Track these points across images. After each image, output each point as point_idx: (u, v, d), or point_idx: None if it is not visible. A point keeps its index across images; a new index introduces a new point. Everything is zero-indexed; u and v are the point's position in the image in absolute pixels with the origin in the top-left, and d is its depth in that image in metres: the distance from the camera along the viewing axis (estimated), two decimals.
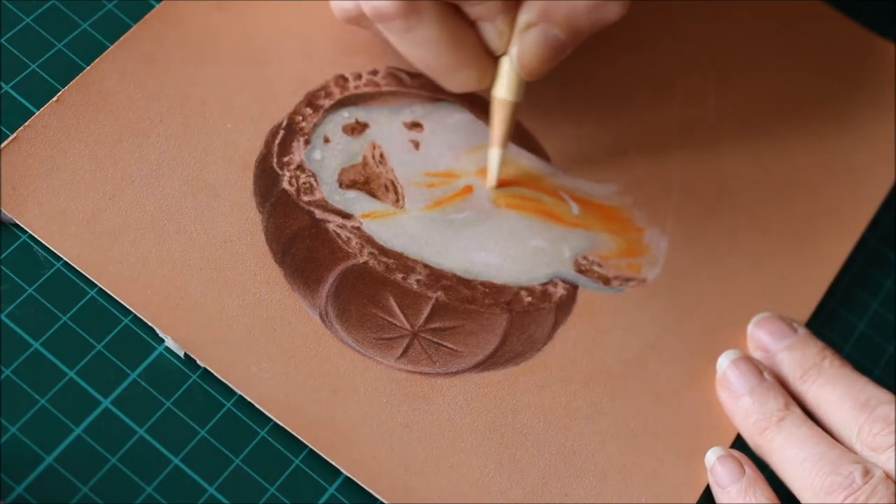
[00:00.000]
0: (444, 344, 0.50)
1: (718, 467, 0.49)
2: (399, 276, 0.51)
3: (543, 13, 0.49)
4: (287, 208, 0.51)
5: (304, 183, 0.52)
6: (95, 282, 0.48)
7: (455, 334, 0.50)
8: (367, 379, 0.49)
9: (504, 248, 0.53)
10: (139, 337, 0.48)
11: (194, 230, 0.50)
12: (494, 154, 0.53)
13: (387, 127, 0.54)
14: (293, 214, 0.51)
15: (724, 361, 0.52)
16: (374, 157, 0.53)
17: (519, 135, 0.55)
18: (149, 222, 0.50)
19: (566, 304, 0.52)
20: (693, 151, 0.57)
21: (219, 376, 0.47)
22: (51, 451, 0.45)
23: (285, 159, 0.52)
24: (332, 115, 0.54)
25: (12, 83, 0.51)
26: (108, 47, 0.52)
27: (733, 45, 0.60)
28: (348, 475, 0.47)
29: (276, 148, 0.52)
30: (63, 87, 0.51)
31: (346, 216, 0.52)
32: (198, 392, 0.48)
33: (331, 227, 0.51)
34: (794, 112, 0.59)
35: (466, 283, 0.52)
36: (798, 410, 0.50)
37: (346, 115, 0.54)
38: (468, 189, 0.54)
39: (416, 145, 0.54)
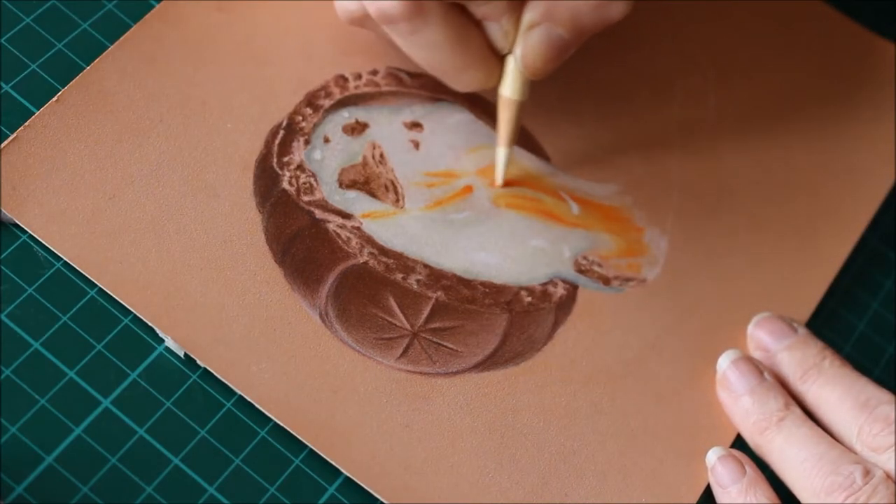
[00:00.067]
0: (444, 344, 0.50)
1: (719, 467, 0.49)
2: (399, 276, 0.51)
3: (547, 13, 0.49)
4: (287, 208, 0.51)
5: (304, 183, 0.52)
6: (95, 282, 0.48)
7: (455, 334, 0.50)
8: (367, 379, 0.49)
9: (504, 248, 0.53)
10: (139, 337, 0.48)
11: (194, 230, 0.50)
12: (501, 153, 0.53)
13: (387, 127, 0.54)
14: (293, 214, 0.51)
15: (725, 361, 0.52)
16: (374, 157, 0.53)
17: (519, 135, 0.55)
18: (149, 222, 0.50)
19: (566, 304, 0.52)
20: (693, 151, 0.57)
21: (219, 376, 0.47)
22: (51, 451, 0.45)
23: (285, 159, 0.52)
24: (332, 115, 0.54)
25: (12, 83, 0.51)
26: (108, 47, 0.52)
27: (733, 45, 0.60)
28: (348, 475, 0.47)
29: (276, 148, 0.52)
30: (63, 87, 0.51)
31: (346, 216, 0.52)
32: (198, 392, 0.48)
33: (331, 227, 0.51)
34: (794, 112, 0.59)
35: (466, 283, 0.52)
36: (798, 410, 0.50)
37: (346, 115, 0.54)
38: (468, 189, 0.54)
39: (416, 145, 0.54)
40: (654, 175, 0.56)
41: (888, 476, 0.47)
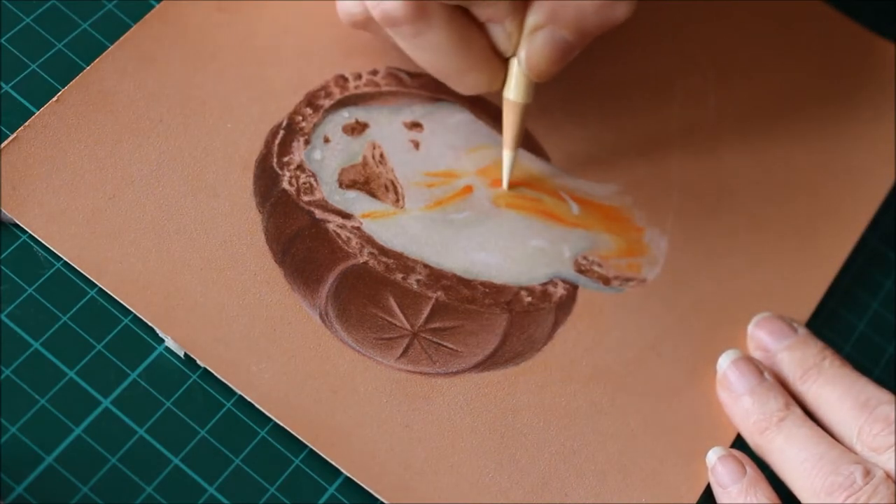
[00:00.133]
0: (444, 344, 0.50)
1: (719, 467, 0.49)
2: (399, 276, 0.51)
3: (551, 15, 0.49)
4: (287, 208, 0.51)
5: (304, 183, 0.52)
6: (95, 282, 0.48)
7: (455, 334, 0.50)
8: (367, 379, 0.49)
9: (504, 248, 0.53)
10: (139, 337, 0.48)
11: (194, 230, 0.50)
12: (507, 156, 0.53)
13: (387, 127, 0.54)
14: (293, 214, 0.51)
15: (725, 361, 0.52)
16: (374, 157, 0.53)
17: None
18: (149, 222, 0.50)
19: (566, 304, 0.52)
20: (693, 151, 0.57)
21: (219, 376, 0.47)
22: (51, 451, 0.45)
23: (285, 159, 0.52)
24: (332, 115, 0.54)
25: (12, 83, 0.51)
26: (108, 47, 0.52)
27: (733, 45, 0.60)
28: (348, 475, 0.47)
29: (276, 148, 0.52)
30: (63, 87, 0.51)
31: (346, 216, 0.52)
32: (198, 392, 0.48)
33: (331, 227, 0.51)
34: (795, 112, 0.59)
35: (466, 283, 0.52)
36: (798, 410, 0.50)
37: (346, 115, 0.54)
38: (468, 189, 0.54)
39: (416, 145, 0.54)
40: (654, 175, 0.56)
41: (888, 476, 0.47)
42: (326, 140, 0.53)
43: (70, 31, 0.53)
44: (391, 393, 0.49)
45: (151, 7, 0.54)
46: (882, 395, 0.49)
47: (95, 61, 0.52)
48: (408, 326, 0.50)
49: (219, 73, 0.53)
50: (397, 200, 0.53)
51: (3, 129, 0.50)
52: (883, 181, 0.58)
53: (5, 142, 0.50)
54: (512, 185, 0.54)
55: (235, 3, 0.55)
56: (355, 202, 0.52)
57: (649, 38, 0.59)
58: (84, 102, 0.51)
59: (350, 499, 0.47)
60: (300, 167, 0.52)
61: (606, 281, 0.53)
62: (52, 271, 0.48)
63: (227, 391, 0.48)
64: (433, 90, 0.55)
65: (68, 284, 0.48)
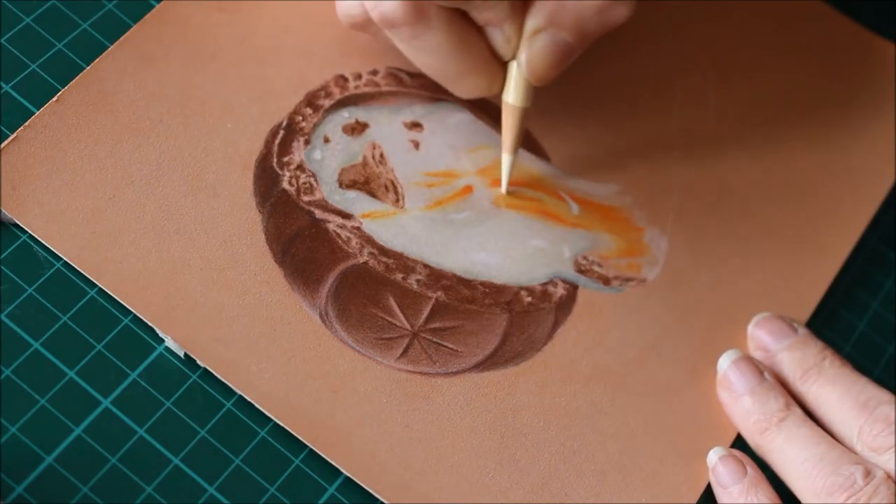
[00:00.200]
0: (444, 344, 0.50)
1: (720, 467, 0.49)
2: (399, 276, 0.51)
3: (552, 18, 0.49)
4: (287, 208, 0.51)
5: (304, 183, 0.52)
6: (95, 282, 0.48)
7: (455, 334, 0.50)
8: (367, 379, 0.49)
9: (504, 248, 0.53)
10: (139, 337, 0.48)
11: (194, 230, 0.50)
12: (506, 160, 0.53)
13: (387, 127, 0.54)
14: (293, 214, 0.51)
15: (725, 361, 0.52)
16: (374, 157, 0.53)
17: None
18: (149, 222, 0.50)
19: (566, 304, 0.52)
20: (693, 151, 0.57)
21: (219, 376, 0.47)
22: (51, 451, 0.45)
23: (285, 159, 0.52)
24: (332, 115, 0.54)
25: (12, 83, 0.51)
26: (108, 47, 0.52)
27: (733, 45, 0.60)
28: (348, 475, 0.47)
29: (276, 148, 0.52)
30: (63, 87, 0.51)
31: (346, 216, 0.52)
32: (198, 392, 0.48)
33: (331, 227, 0.51)
34: (795, 112, 0.59)
35: (466, 283, 0.52)
36: (799, 411, 0.50)
37: (346, 115, 0.54)
38: (468, 189, 0.54)
39: (416, 145, 0.54)
40: (654, 175, 0.56)
41: (889, 476, 0.47)
42: (326, 140, 0.53)
43: (70, 31, 0.53)
44: (391, 393, 0.49)
45: (151, 7, 0.54)
46: (882, 395, 0.49)
47: (95, 61, 0.52)
48: (408, 326, 0.50)
49: (219, 73, 0.53)
50: (397, 200, 0.53)
51: (3, 129, 0.50)
52: (883, 181, 0.58)
53: (5, 142, 0.50)
54: (511, 186, 0.54)
55: (235, 3, 0.55)
56: (355, 202, 0.52)
57: (649, 38, 0.59)
58: (84, 102, 0.51)
59: (350, 499, 0.47)
60: (300, 167, 0.52)
61: (606, 281, 0.53)
62: (52, 271, 0.48)
63: (227, 391, 0.48)
64: (433, 90, 0.55)
65: (68, 284, 0.48)
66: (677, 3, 0.60)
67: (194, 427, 0.47)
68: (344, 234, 0.51)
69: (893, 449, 0.48)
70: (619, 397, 0.51)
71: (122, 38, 0.53)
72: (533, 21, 0.50)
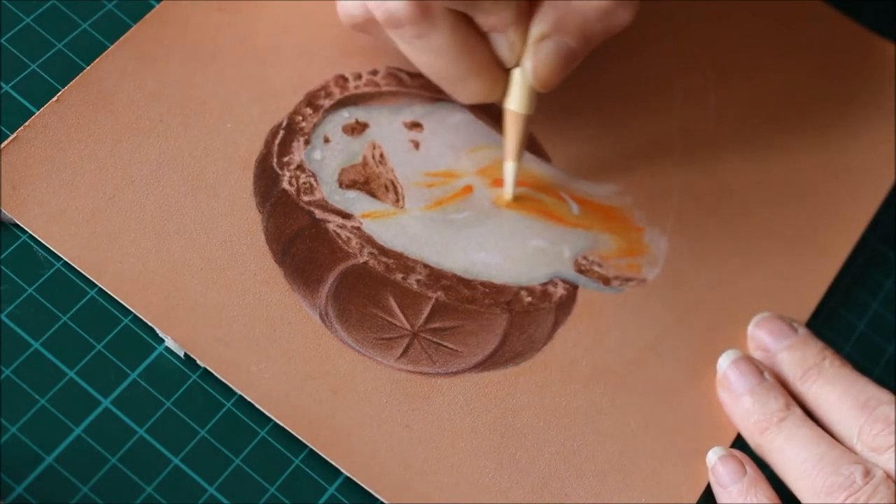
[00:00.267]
0: (444, 344, 0.50)
1: (720, 467, 0.49)
2: (399, 276, 0.51)
3: (557, 24, 0.49)
4: (287, 208, 0.51)
5: (304, 183, 0.52)
6: (95, 282, 0.48)
7: (455, 334, 0.50)
8: (367, 379, 0.49)
9: (504, 248, 0.53)
10: (139, 337, 0.48)
11: (194, 230, 0.50)
12: (509, 168, 0.53)
13: (387, 127, 0.54)
14: (293, 214, 0.51)
15: (725, 361, 0.52)
16: (374, 157, 0.53)
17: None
18: (149, 222, 0.50)
19: (566, 304, 0.52)
20: (693, 151, 0.57)
21: (219, 376, 0.47)
22: (51, 451, 0.45)
23: (285, 159, 0.52)
24: (332, 115, 0.54)
25: (12, 83, 0.51)
26: (108, 47, 0.52)
27: (733, 45, 0.60)
28: (348, 475, 0.47)
29: (276, 148, 0.52)
30: (63, 87, 0.51)
31: (346, 216, 0.52)
32: (198, 392, 0.48)
33: (331, 227, 0.51)
34: (795, 112, 0.59)
35: (466, 283, 0.52)
36: (798, 410, 0.50)
37: (346, 115, 0.54)
38: (468, 189, 0.54)
39: (416, 145, 0.54)
40: (654, 175, 0.56)
41: (888, 476, 0.47)
42: (326, 140, 0.53)
43: (70, 31, 0.53)
44: (391, 393, 0.49)
45: (151, 7, 0.54)
46: (882, 395, 0.49)
47: (95, 61, 0.52)
48: (408, 326, 0.50)
49: (219, 73, 0.53)
50: (397, 200, 0.53)
51: (3, 129, 0.50)
52: (883, 181, 0.58)
53: (5, 142, 0.50)
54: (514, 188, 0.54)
55: (235, 3, 0.55)
56: (355, 202, 0.52)
57: (649, 38, 0.59)
58: (84, 102, 0.51)
59: (350, 499, 0.47)
60: (300, 167, 0.52)
61: (606, 281, 0.53)
62: (52, 271, 0.48)
63: (227, 391, 0.48)
64: (433, 90, 0.55)
65: (68, 284, 0.48)
66: (677, 3, 0.60)
67: (194, 427, 0.47)
68: (344, 234, 0.51)
69: (893, 448, 0.48)
70: (619, 397, 0.51)
71: (122, 38, 0.53)
72: (538, 27, 0.50)
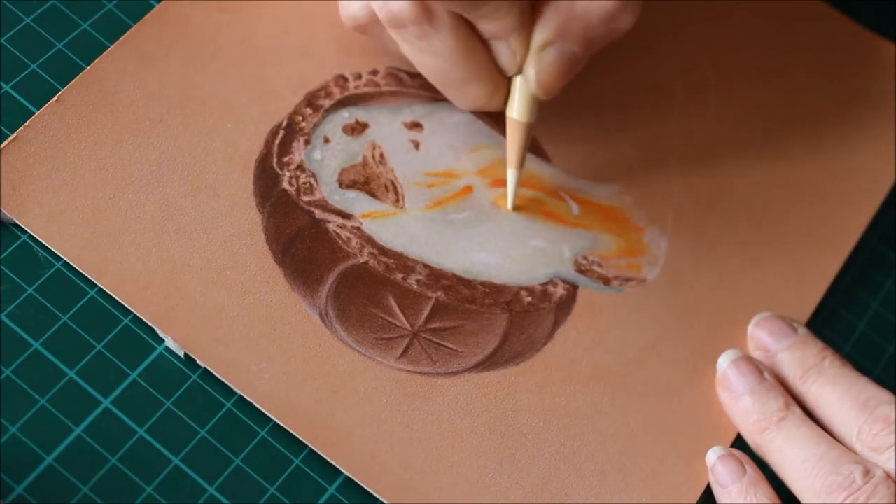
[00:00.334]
0: (444, 344, 0.50)
1: (719, 467, 0.49)
2: (399, 276, 0.51)
3: (561, 30, 0.49)
4: (287, 208, 0.51)
5: (304, 183, 0.52)
6: (95, 282, 0.48)
7: (455, 334, 0.50)
8: (367, 379, 0.49)
9: (504, 248, 0.53)
10: (139, 337, 0.48)
11: (194, 230, 0.50)
12: (511, 176, 0.53)
13: (387, 127, 0.54)
14: (293, 214, 0.51)
15: (725, 361, 0.52)
16: (374, 157, 0.53)
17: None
18: (149, 222, 0.50)
19: (566, 304, 0.52)
20: (693, 151, 0.57)
21: (219, 376, 0.47)
22: (51, 451, 0.45)
23: (285, 159, 0.52)
24: (332, 115, 0.54)
25: (12, 83, 0.51)
26: (108, 47, 0.52)
27: (733, 45, 0.60)
28: (348, 475, 0.47)
29: (276, 148, 0.52)
30: (63, 87, 0.51)
31: (346, 216, 0.52)
32: (198, 392, 0.48)
33: (331, 227, 0.51)
34: (795, 112, 0.59)
35: (466, 283, 0.52)
36: (798, 410, 0.50)
37: (346, 115, 0.54)
38: (468, 189, 0.54)
39: (416, 145, 0.54)
40: (654, 175, 0.56)
41: (888, 476, 0.47)
42: (326, 140, 0.53)
43: (70, 31, 0.53)
44: (391, 393, 0.49)
45: (151, 7, 0.54)
46: (882, 395, 0.49)
47: (95, 61, 0.52)
48: (408, 326, 0.50)
49: (219, 73, 0.53)
50: (397, 200, 0.53)
51: (3, 129, 0.50)
52: (883, 181, 0.58)
53: (5, 142, 0.50)
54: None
55: (235, 3, 0.55)
56: (355, 202, 0.52)
57: (650, 38, 0.59)
58: (84, 102, 0.51)
59: (350, 499, 0.47)
60: (300, 167, 0.52)
61: (606, 281, 0.53)
62: (52, 271, 0.48)
63: (227, 391, 0.48)
64: (433, 90, 0.55)
65: (68, 284, 0.48)
66: (677, 3, 0.60)
67: (194, 427, 0.47)
68: (344, 234, 0.51)
69: (893, 448, 0.48)
70: (619, 397, 0.51)
71: (122, 38, 0.53)
72: (541, 34, 0.49)
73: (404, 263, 0.51)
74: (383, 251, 0.51)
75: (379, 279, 0.51)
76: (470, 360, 0.50)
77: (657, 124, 0.57)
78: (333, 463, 0.47)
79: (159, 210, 0.50)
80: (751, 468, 0.49)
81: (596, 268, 0.53)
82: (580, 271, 0.53)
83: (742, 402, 0.50)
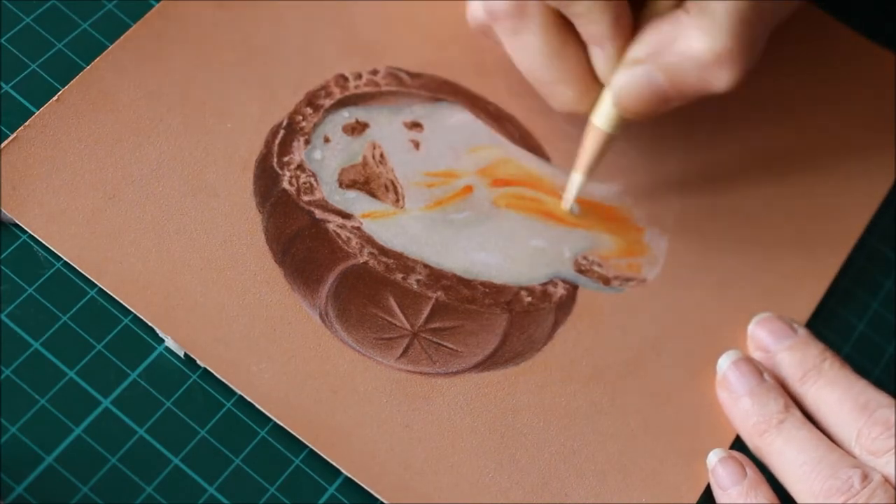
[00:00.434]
0: (444, 344, 0.50)
1: (720, 469, 0.49)
2: (399, 276, 0.51)
3: (654, 53, 0.49)
4: (287, 208, 0.51)
5: (304, 183, 0.52)
6: (95, 282, 0.48)
7: (455, 334, 0.50)
8: (367, 379, 0.49)
9: (504, 248, 0.53)
10: (139, 337, 0.48)
11: (194, 230, 0.50)
12: (575, 179, 0.53)
13: (387, 127, 0.54)
14: (293, 214, 0.51)
15: (725, 362, 0.52)
16: (374, 157, 0.53)
17: (519, 134, 0.55)
18: (149, 222, 0.50)
19: (566, 304, 0.52)
20: (693, 151, 0.57)
21: (219, 376, 0.47)
22: (51, 451, 0.45)
23: (285, 159, 0.52)
24: (332, 114, 0.54)
25: (12, 83, 0.51)
26: (108, 47, 0.52)
27: None
28: (348, 475, 0.47)
29: (276, 148, 0.52)
30: (63, 87, 0.51)
31: (346, 216, 0.52)
32: (198, 392, 0.48)
33: (331, 227, 0.51)
34: (794, 112, 0.59)
35: (466, 283, 0.52)
36: (798, 413, 0.50)
37: (347, 115, 0.54)
38: (468, 189, 0.54)
39: (416, 145, 0.54)
40: (654, 175, 0.56)
41: (886, 480, 0.47)
42: (326, 140, 0.53)
43: (70, 31, 0.53)
44: (391, 393, 0.49)
45: (151, 7, 0.54)
46: (882, 398, 0.49)
47: (95, 61, 0.52)
48: (408, 326, 0.50)
49: (219, 72, 0.53)
50: (397, 200, 0.53)
51: (3, 129, 0.50)
52: (882, 181, 0.58)
53: (5, 142, 0.50)
54: (511, 184, 0.54)
55: (236, 3, 0.55)
56: (355, 202, 0.52)
57: None
58: (84, 102, 0.51)
59: (350, 499, 0.47)
60: (300, 167, 0.52)
61: (606, 281, 0.53)
62: (52, 271, 0.48)
63: (227, 391, 0.48)
64: (433, 90, 0.55)
65: (68, 284, 0.48)
66: None
67: (194, 427, 0.47)
68: (344, 234, 0.51)
69: (892, 452, 0.48)
70: (619, 397, 0.51)
71: (122, 38, 0.53)
72: (634, 50, 0.50)
73: (404, 263, 0.51)
74: (383, 251, 0.51)
75: (379, 279, 0.51)
76: (470, 360, 0.50)
77: (657, 124, 0.57)
78: (333, 463, 0.47)
79: (159, 210, 0.50)
80: (751, 470, 0.49)
81: (596, 268, 0.53)
82: (580, 271, 0.53)
83: (742, 404, 0.50)
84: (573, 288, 0.53)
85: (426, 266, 0.51)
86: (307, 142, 0.53)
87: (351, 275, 0.50)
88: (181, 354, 0.48)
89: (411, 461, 0.48)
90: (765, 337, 0.52)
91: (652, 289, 0.53)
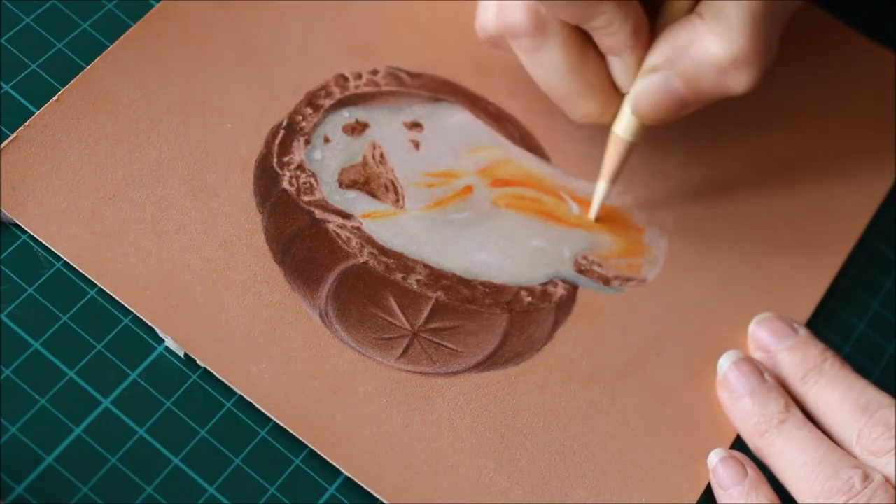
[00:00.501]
0: (444, 344, 0.50)
1: (721, 468, 0.49)
2: (399, 276, 0.51)
3: (671, 60, 0.49)
4: (287, 208, 0.51)
5: (304, 183, 0.52)
6: (95, 282, 0.48)
7: (455, 334, 0.50)
8: (367, 379, 0.49)
9: (504, 248, 0.53)
10: (139, 337, 0.48)
11: (194, 230, 0.50)
12: (600, 187, 0.53)
13: (387, 127, 0.54)
14: (293, 214, 0.51)
15: (725, 362, 0.52)
16: (374, 157, 0.53)
17: (519, 134, 0.55)
18: (149, 222, 0.50)
19: (566, 304, 0.52)
20: (693, 152, 0.57)
21: (219, 376, 0.47)
22: (51, 451, 0.45)
23: (285, 159, 0.52)
24: (332, 114, 0.54)
25: (12, 83, 0.51)
26: (108, 47, 0.52)
27: None
28: (348, 475, 0.47)
29: (276, 148, 0.52)
30: (63, 87, 0.51)
31: (346, 216, 0.52)
32: (198, 392, 0.48)
33: (331, 227, 0.51)
34: (794, 112, 0.59)
35: (466, 283, 0.52)
36: (798, 413, 0.50)
37: (347, 115, 0.54)
38: (468, 189, 0.54)
39: (416, 145, 0.54)
40: (654, 175, 0.56)
41: (887, 480, 0.47)
42: (326, 140, 0.53)
43: (70, 31, 0.53)
44: (391, 393, 0.49)
45: (151, 7, 0.54)
46: (883, 398, 0.49)
47: (95, 61, 0.52)
48: (408, 326, 0.50)
49: (219, 72, 0.53)
50: (397, 200, 0.53)
51: (3, 129, 0.50)
52: (882, 181, 0.58)
53: (5, 142, 0.50)
54: (511, 184, 0.54)
55: (236, 3, 0.55)
56: (355, 202, 0.52)
57: None
58: (84, 102, 0.51)
59: (350, 499, 0.47)
60: (300, 167, 0.52)
61: (606, 281, 0.53)
62: (52, 271, 0.48)
63: (227, 391, 0.48)
64: (433, 90, 0.55)
65: (68, 284, 0.48)
66: None
67: (194, 427, 0.47)
68: (344, 234, 0.51)
69: (892, 453, 0.48)
70: (619, 397, 0.51)
71: (122, 38, 0.53)
72: (653, 58, 0.50)
73: (404, 263, 0.51)
74: (383, 251, 0.51)
75: (379, 279, 0.51)
76: (470, 360, 0.50)
77: (657, 125, 0.57)
78: (333, 463, 0.47)
79: (159, 210, 0.50)
80: (752, 470, 0.49)
81: (596, 268, 0.53)
82: (580, 271, 0.53)
83: (742, 404, 0.50)
84: (573, 288, 0.53)
85: (426, 266, 0.51)
86: (307, 142, 0.53)
87: (351, 275, 0.50)
88: (181, 354, 0.48)
89: (411, 461, 0.48)
90: (765, 337, 0.52)
91: (652, 289, 0.53)
